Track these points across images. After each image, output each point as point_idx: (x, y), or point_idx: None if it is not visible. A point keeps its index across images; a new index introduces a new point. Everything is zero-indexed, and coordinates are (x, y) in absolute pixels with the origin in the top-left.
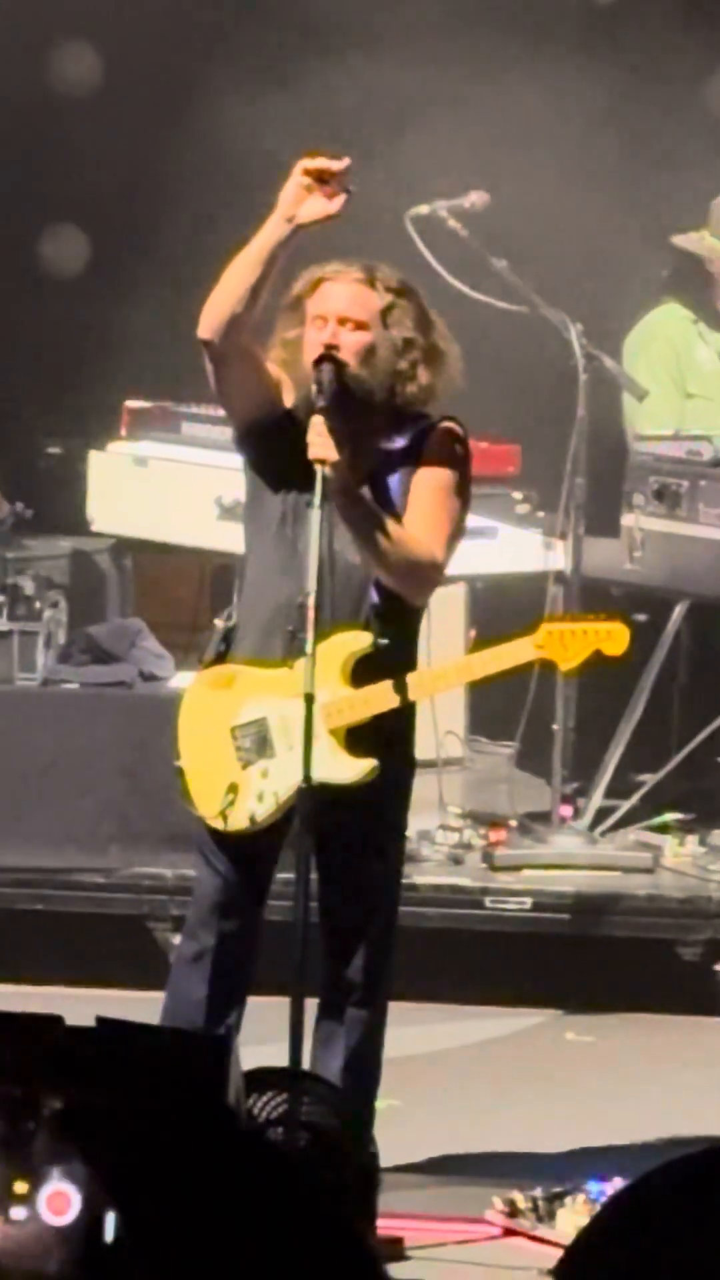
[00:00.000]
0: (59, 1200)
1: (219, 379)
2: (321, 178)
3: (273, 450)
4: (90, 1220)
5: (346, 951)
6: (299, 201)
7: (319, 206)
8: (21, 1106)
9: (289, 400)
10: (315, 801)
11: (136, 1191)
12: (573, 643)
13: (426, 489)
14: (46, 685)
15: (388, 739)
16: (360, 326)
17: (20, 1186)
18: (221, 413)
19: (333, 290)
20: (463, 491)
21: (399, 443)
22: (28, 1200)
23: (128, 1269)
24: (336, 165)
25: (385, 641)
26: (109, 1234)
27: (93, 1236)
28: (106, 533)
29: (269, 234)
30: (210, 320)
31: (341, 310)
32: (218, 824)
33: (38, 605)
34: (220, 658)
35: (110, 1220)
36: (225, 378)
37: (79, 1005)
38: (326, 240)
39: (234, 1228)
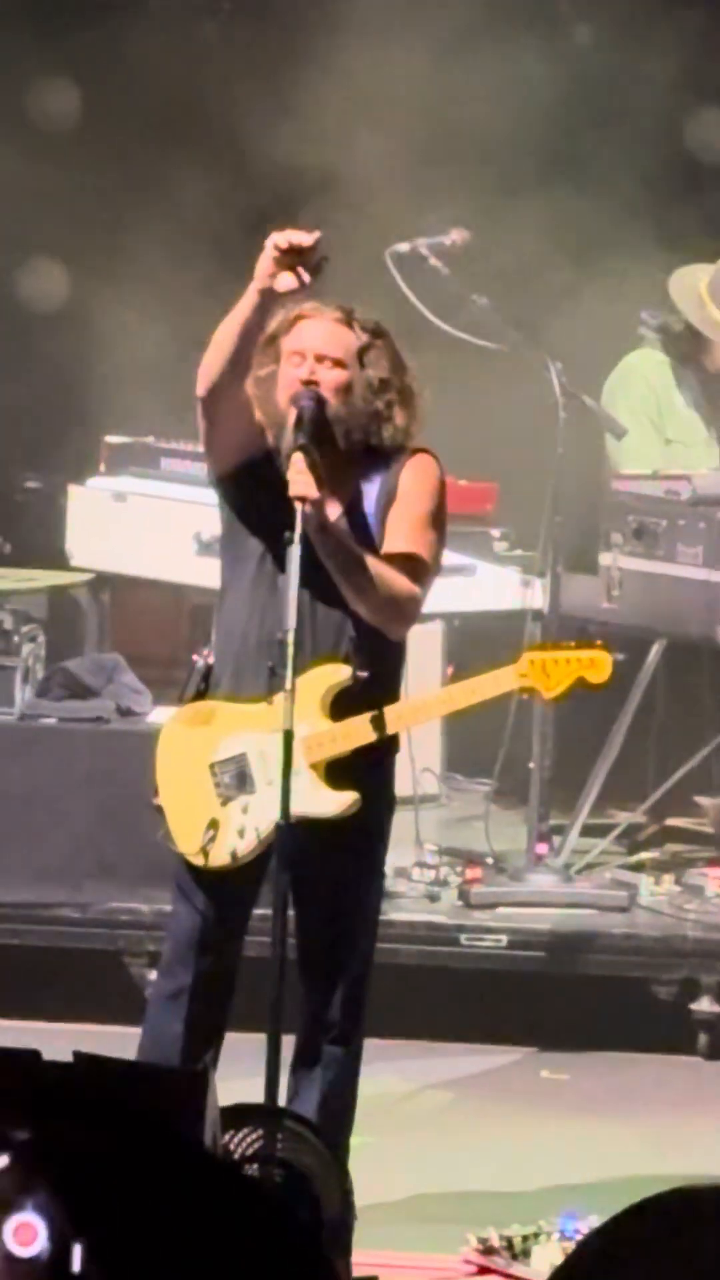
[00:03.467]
0: (25, 1231)
1: (210, 431)
2: (292, 251)
3: (250, 489)
4: (57, 1252)
5: (324, 989)
6: (271, 274)
7: (291, 280)
8: None
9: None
10: (295, 837)
11: (105, 1224)
12: (555, 671)
13: (403, 522)
14: (24, 720)
15: (368, 776)
16: (338, 364)
17: None
18: (201, 448)
19: (310, 328)
20: (439, 522)
21: (373, 474)
22: None
23: None
24: (307, 240)
25: (364, 674)
26: (76, 1265)
27: (59, 1268)
28: (85, 568)
29: (245, 305)
30: (201, 379)
31: (319, 348)
32: (198, 861)
33: (15, 640)
34: (199, 695)
35: (77, 1252)
36: (216, 431)
37: (55, 1040)
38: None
39: (206, 1263)
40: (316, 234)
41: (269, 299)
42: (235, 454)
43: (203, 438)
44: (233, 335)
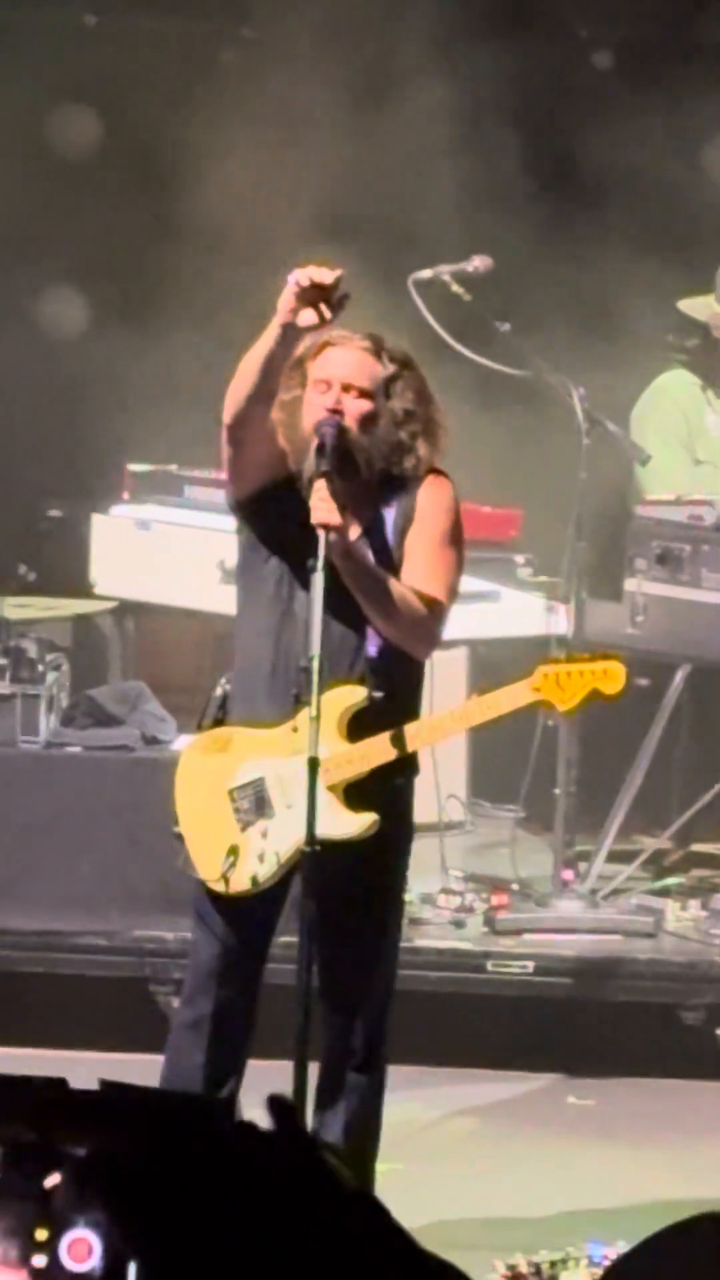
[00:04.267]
0: (80, 1247)
1: (234, 456)
2: (314, 288)
3: (270, 514)
4: (111, 1269)
5: (347, 1016)
6: (293, 310)
7: (312, 315)
8: (42, 1153)
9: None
10: (316, 862)
11: (160, 1242)
12: (569, 684)
13: (422, 543)
14: (49, 748)
15: (388, 799)
16: (364, 395)
17: (41, 1233)
18: (223, 475)
19: (338, 356)
20: (457, 541)
21: (390, 497)
22: (49, 1247)
23: None
24: (328, 278)
25: (380, 695)
26: None
27: None
28: (109, 596)
29: (267, 339)
30: (227, 409)
31: (346, 376)
32: (219, 887)
33: (40, 668)
34: (217, 723)
35: (132, 1271)
36: (240, 456)
37: (81, 1068)
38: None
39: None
40: (338, 272)
41: (291, 334)
42: (257, 478)
43: (226, 462)
44: (256, 367)
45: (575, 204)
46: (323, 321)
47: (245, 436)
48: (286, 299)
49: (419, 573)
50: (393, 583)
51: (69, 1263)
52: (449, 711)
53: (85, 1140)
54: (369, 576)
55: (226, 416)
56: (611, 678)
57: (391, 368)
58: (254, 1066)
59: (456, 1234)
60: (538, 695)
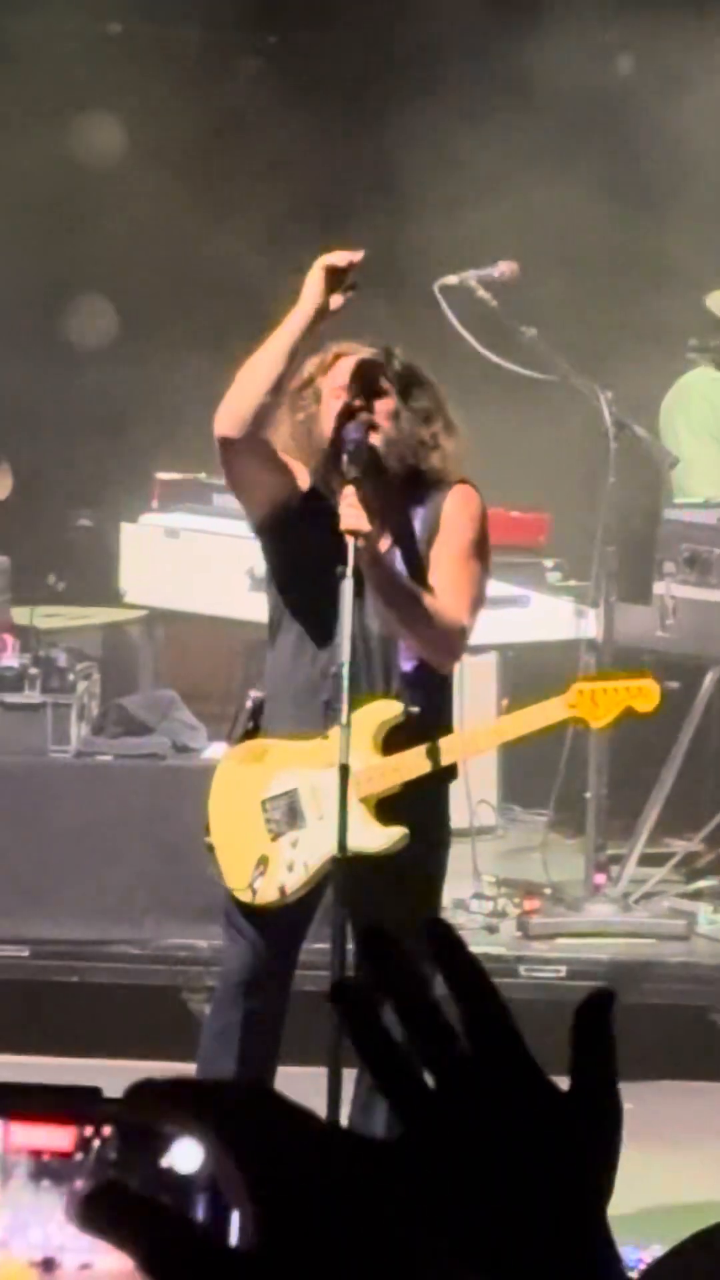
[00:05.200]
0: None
1: (239, 473)
2: (341, 271)
3: (295, 531)
4: (214, 1221)
5: None
6: (324, 293)
7: (340, 299)
8: (154, 1132)
9: (303, 483)
10: (348, 872)
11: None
12: (604, 700)
13: (448, 554)
14: (80, 757)
15: (422, 810)
16: (383, 393)
17: None
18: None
19: (352, 363)
20: (482, 553)
21: (417, 506)
22: None
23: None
24: (357, 256)
25: (416, 710)
26: (233, 1236)
27: (218, 1238)
28: (139, 604)
29: (293, 329)
30: (233, 417)
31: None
32: (246, 897)
33: (71, 677)
34: (249, 734)
35: (235, 1221)
36: (245, 472)
37: (114, 1077)
38: (359, 313)
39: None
40: (362, 252)
41: (321, 319)
42: (270, 491)
43: (232, 480)
44: (277, 358)
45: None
46: (338, 309)
47: (248, 448)
48: (316, 283)
49: (444, 584)
50: (419, 592)
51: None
52: (483, 727)
53: (194, 1123)
54: (396, 586)
55: (228, 429)
56: (646, 696)
57: (404, 372)
58: (285, 1074)
59: None
60: (573, 712)
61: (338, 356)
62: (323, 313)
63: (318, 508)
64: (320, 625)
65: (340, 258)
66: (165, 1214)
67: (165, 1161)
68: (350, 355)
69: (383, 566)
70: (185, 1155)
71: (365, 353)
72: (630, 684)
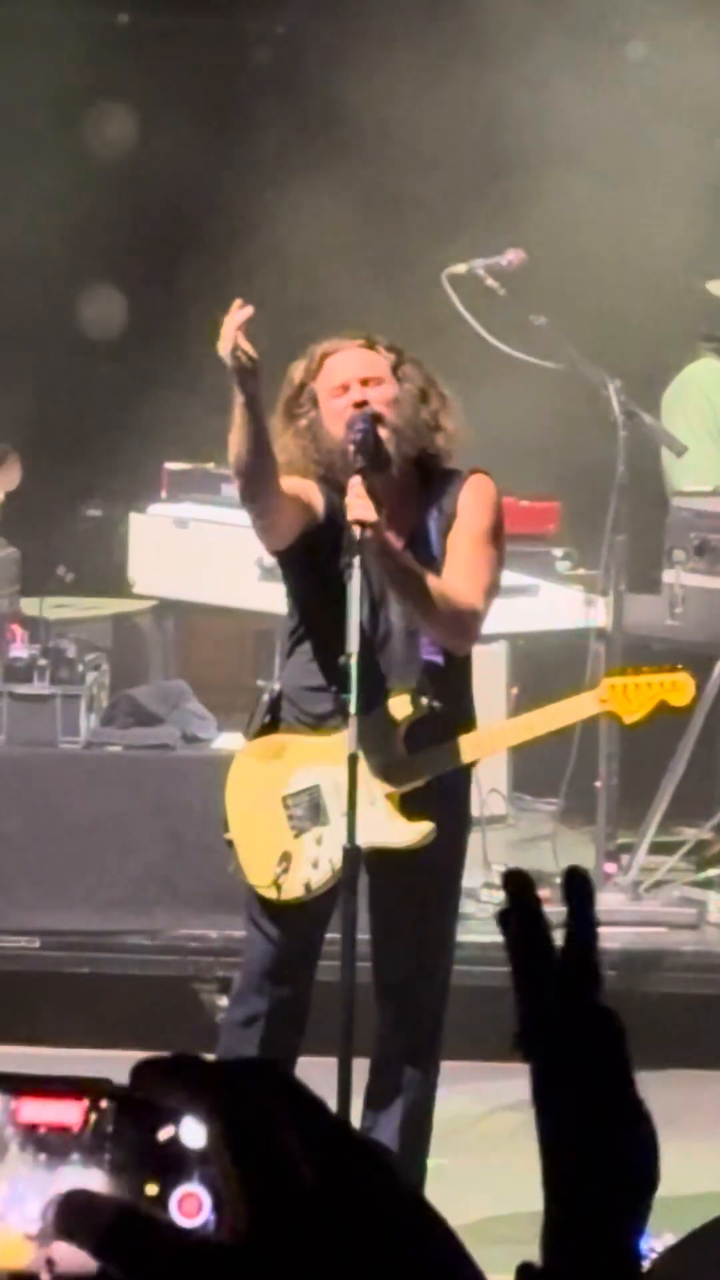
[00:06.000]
0: (190, 1202)
1: (266, 523)
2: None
3: (317, 557)
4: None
5: (404, 1015)
6: (242, 383)
7: (252, 374)
8: (155, 1107)
9: (318, 506)
10: (370, 864)
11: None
12: (636, 695)
13: (463, 540)
14: (89, 748)
15: (445, 799)
16: (380, 382)
17: (151, 1188)
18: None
19: (342, 359)
20: (498, 540)
21: (433, 498)
22: (159, 1202)
23: (255, 1272)
24: (241, 315)
25: (439, 704)
26: (205, 1225)
27: (189, 1234)
28: (148, 595)
29: (237, 417)
30: (239, 482)
31: (359, 372)
32: (271, 894)
33: (80, 668)
34: (267, 728)
35: (209, 1214)
36: (271, 520)
37: (125, 1068)
38: (365, 304)
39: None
40: (246, 308)
41: (254, 393)
42: (292, 529)
43: (259, 525)
44: (243, 440)
45: None
46: (254, 365)
47: (267, 504)
48: (233, 374)
49: (459, 569)
50: (432, 579)
51: (179, 1218)
52: (511, 723)
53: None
54: (406, 573)
55: (239, 481)
56: (680, 690)
57: (391, 356)
58: (301, 1063)
59: (504, 1229)
60: (605, 707)
61: (325, 357)
62: (251, 392)
63: (336, 531)
64: (336, 621)
65: (228, 328)
66: (138, 1220)
67: (163, 1135)
68: (337, 351)
69: (390, 555)
70: (191, 1132)
71: (350, 346)
72: (664, 678)
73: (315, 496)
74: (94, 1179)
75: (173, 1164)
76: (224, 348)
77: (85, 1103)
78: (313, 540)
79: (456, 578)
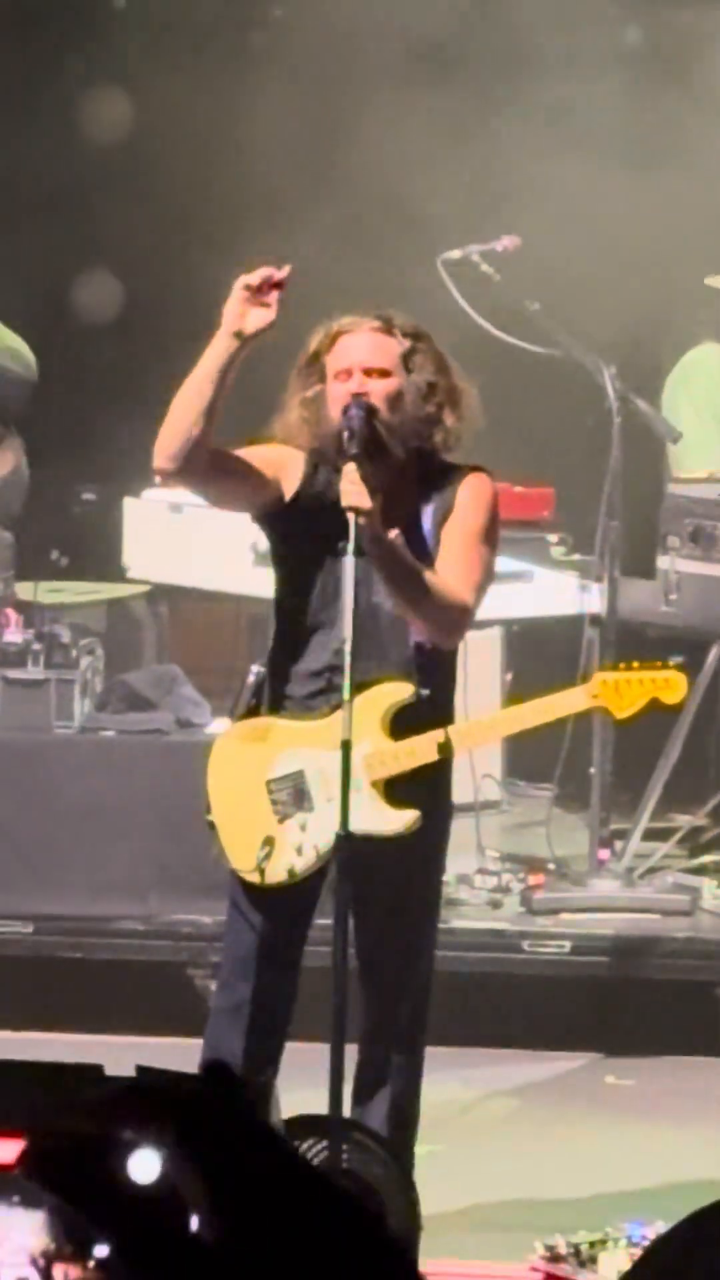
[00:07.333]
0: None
1: (204, 495)
2: (262, 289)
3: (294, 519)
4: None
5: (388, 1000)
6: (243, 315)
7: (262, 315)
8: (104, 1147)
9: (284, 475)
10: (355, 851)
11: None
12: (629, 691)
13: (457, 536)
14: (84, 733)
15: (429, 787)
16: (385, 374)
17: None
18: None
19: (352, 342)
20: (491, 539)
21: (430, 492)
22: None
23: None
24: (279, 274)
25: (426, 692)
26: (193, 1225)
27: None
28: (142, 579)
29: (217, 352)
30: (164, 450)
31: (364, 360)
32: (254, 879)
33: (74, 653)
34: (252, 711)
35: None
36: (209, 493)
37: (118, 1053)
38: (363, 288)
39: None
40: (288, 268)
41: (245, 342)
42: (249, 501)
43: (204, 498)
44: (202, 387)
45: None
46: (270, 324)
47: (193, 477)
48: (234, 304)
49: (450, 563)
50: (424, 571)
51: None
52: (501, 714)
53: (144, 1132)
54: (398, 562)
55: (164, 461)
56: (673, 687)
57: (406, 343)
58: (291, 1049)
59: (495, 1215)
60: (596, 702)
61: (339, 334)
62: (242, 336)
63: (318, 491)
64: (324, 605)
65: (257, 276)
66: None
67: (123, 1173)
68: (351, 331)
69: (385, 543)
70: (143, 1166)
71: (364, 328)
72: (656, 675)
73: (289, 469)
74: (35, 1220)
75: (137, 1198)
76: (250, 280)
77: (24, 1142)
78: (285, 513)
79: (448, 572)
